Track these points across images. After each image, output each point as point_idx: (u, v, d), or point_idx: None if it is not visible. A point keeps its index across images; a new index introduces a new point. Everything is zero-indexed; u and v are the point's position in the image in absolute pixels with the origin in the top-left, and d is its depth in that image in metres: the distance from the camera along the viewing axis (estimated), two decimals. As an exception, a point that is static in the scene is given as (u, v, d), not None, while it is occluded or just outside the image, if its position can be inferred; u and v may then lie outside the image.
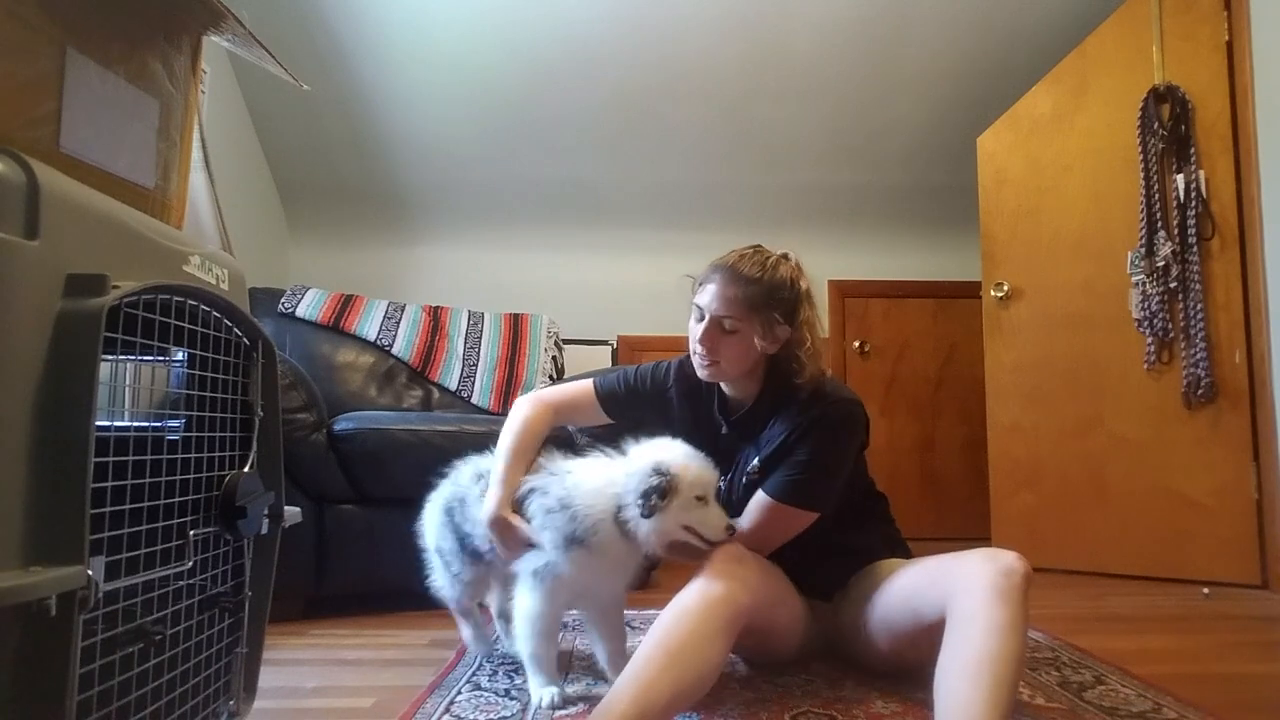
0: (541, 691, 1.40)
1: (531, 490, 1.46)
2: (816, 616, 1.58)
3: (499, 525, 1.46)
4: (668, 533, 1.34)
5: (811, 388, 1.50)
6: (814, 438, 1.46)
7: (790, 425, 1.48)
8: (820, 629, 1.59)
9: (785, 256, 1.54)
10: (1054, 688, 1.53)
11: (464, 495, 1.59)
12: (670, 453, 1.37)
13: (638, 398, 1.68)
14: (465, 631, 1.72)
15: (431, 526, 1.66)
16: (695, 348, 1.53)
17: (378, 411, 2.50)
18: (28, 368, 0.74)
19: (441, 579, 1.65)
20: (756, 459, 1.52)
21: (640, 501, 1.31)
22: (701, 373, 1.55)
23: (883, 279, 3.90)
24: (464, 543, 1.57)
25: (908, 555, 1.59)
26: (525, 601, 1.41)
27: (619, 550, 1.37)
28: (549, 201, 3.78)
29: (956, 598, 1.23)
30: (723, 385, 1.61)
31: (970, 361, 3.54)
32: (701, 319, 1.51)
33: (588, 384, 1.71)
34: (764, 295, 1.47)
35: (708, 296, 1.51)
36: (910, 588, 1.39)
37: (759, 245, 1.57)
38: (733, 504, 1.52)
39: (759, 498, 1.48)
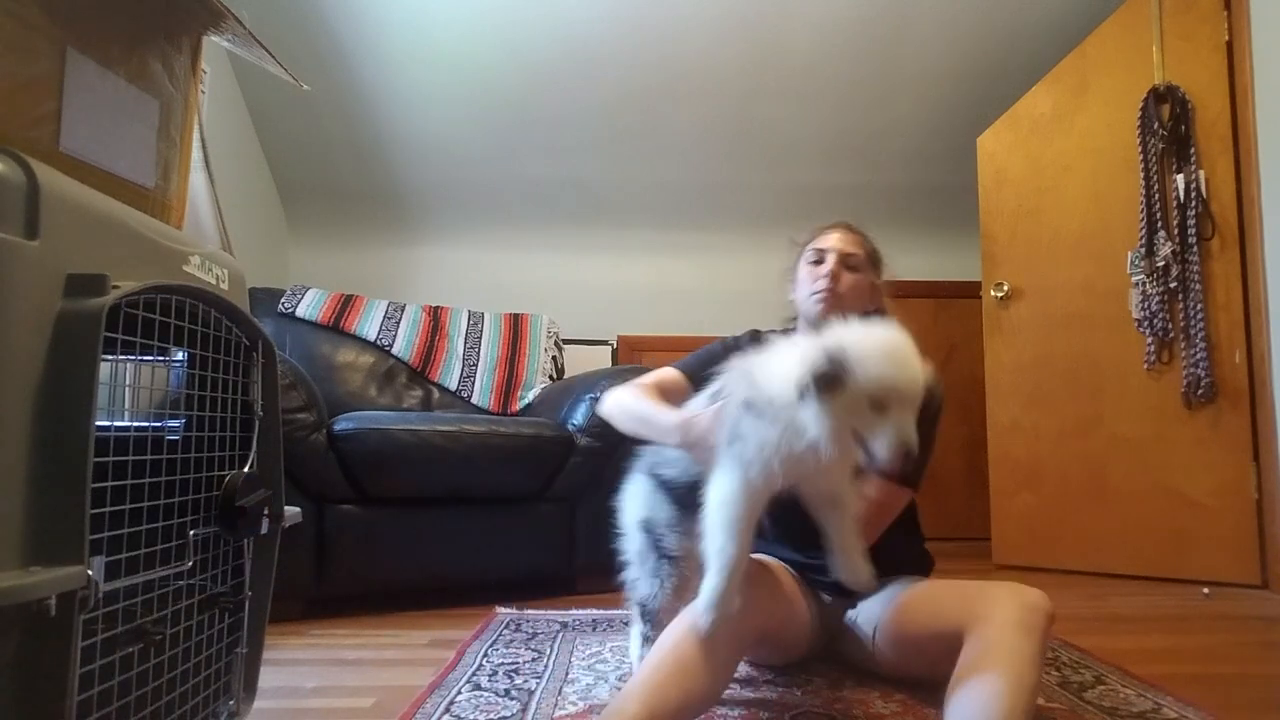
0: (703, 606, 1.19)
1: (718, 390, 1.30)
2: (829, 613, 1.57)
3: (683, 426, 1.32)
4: (834, 432, 1.10)
5: None
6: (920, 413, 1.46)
7: None
8: (829, 627, 1.58)
9: None
10: (1054, 688, 1.53)
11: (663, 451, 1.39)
12: (862, 339, 1.11)
13: (712, 365, 1.58)
14: (637, 644, 1.41)
15: (635, 501, 1.43)
16: (815, 286, 1.58)
17: (378, 411, 2.50)
18: (28, 368, 0.74)
19: (643, 567, 1.39)
20: None
21: (801, 383, 1.10)
22: (818, 307, 1.57)
23: (883, 279, 3.90)
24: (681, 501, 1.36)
25: (930, 571, 1.61)
26: (716, 486, 1.21)
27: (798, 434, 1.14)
28: (549, 201, 3.78)
29: (978, 624, 1.22)
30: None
31: (970, 361, 3.54)
32: (819, 261, 1.61)
33: (669, 369, 1.67)
34: (873, 251, 1.67)
35: (832, 240, 1.64)
36: (931, 606, 1.38)
37: None
38: None
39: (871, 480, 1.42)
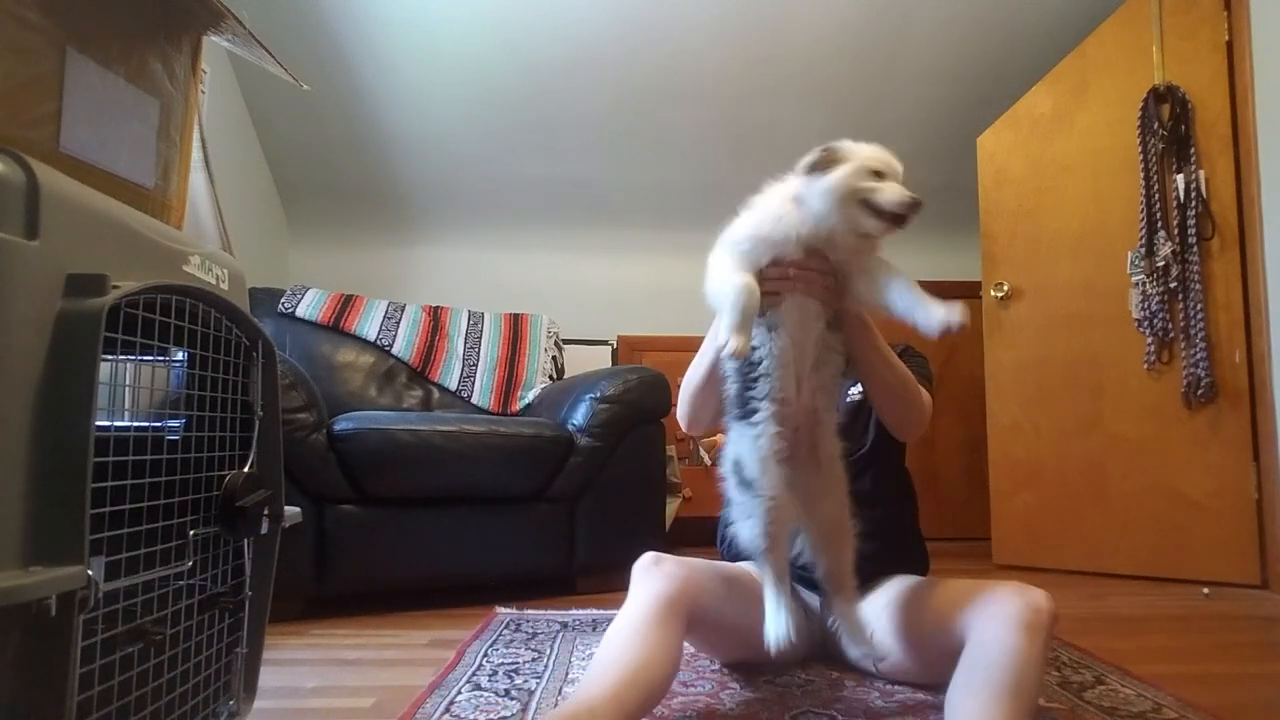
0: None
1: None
2: (818, 619, 1.56)
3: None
4: (842, 194, 1.23)
5: None
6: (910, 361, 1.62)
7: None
8: (821, 631, 1.58)
9: None
10: (1054, 688, 1.52)
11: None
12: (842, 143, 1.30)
13: None
14: (771, 598, 1.30)
15: (727, 448, 1.37)
16: None
17: (378, 411, 2.50)
18: (28, 368, 0.74)
19: (740, 509, 1.33)
20: (855, 384, 1.64)
21: (807, 166, 1.26)
22: None
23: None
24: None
25: (925, 572, 1.60)
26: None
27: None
28: (549, 201, 3.78)
29: (980, 623, 1.21)
30: None
31: (970, 361, 3.54)
32: None
33: None
34: None
35: None
36: (932, 606, 1.37)
37: None
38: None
39: None
